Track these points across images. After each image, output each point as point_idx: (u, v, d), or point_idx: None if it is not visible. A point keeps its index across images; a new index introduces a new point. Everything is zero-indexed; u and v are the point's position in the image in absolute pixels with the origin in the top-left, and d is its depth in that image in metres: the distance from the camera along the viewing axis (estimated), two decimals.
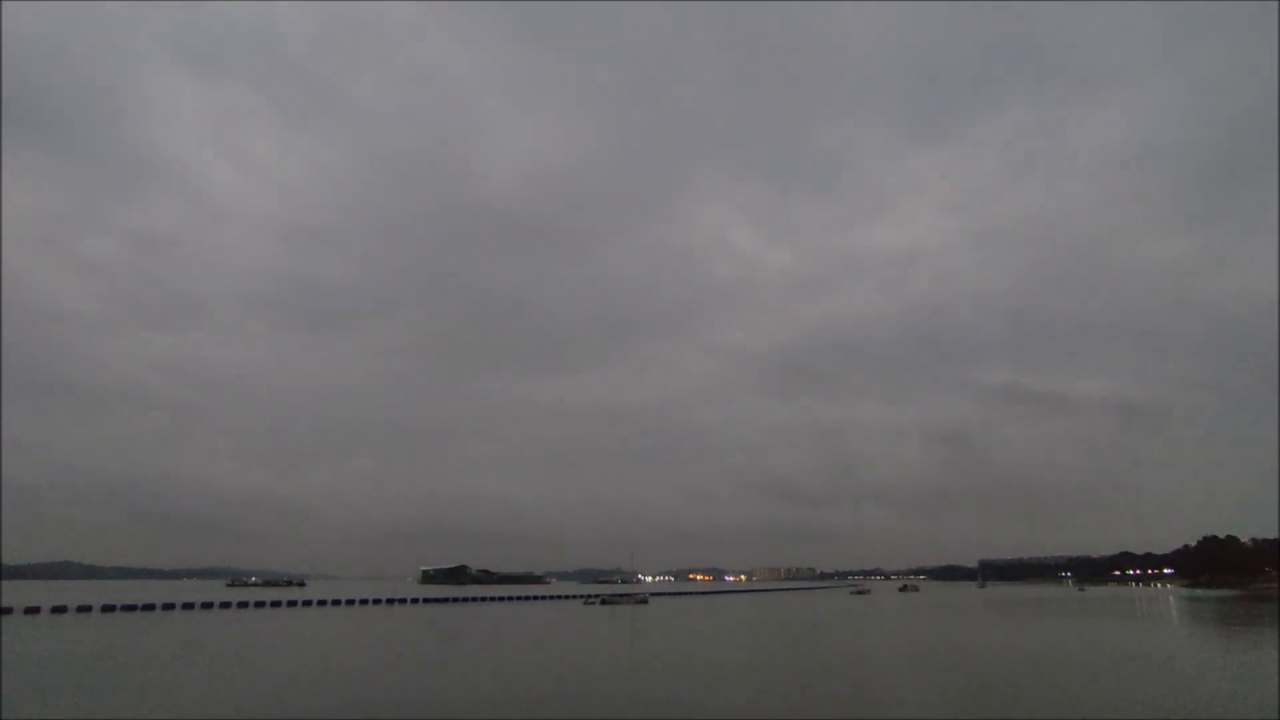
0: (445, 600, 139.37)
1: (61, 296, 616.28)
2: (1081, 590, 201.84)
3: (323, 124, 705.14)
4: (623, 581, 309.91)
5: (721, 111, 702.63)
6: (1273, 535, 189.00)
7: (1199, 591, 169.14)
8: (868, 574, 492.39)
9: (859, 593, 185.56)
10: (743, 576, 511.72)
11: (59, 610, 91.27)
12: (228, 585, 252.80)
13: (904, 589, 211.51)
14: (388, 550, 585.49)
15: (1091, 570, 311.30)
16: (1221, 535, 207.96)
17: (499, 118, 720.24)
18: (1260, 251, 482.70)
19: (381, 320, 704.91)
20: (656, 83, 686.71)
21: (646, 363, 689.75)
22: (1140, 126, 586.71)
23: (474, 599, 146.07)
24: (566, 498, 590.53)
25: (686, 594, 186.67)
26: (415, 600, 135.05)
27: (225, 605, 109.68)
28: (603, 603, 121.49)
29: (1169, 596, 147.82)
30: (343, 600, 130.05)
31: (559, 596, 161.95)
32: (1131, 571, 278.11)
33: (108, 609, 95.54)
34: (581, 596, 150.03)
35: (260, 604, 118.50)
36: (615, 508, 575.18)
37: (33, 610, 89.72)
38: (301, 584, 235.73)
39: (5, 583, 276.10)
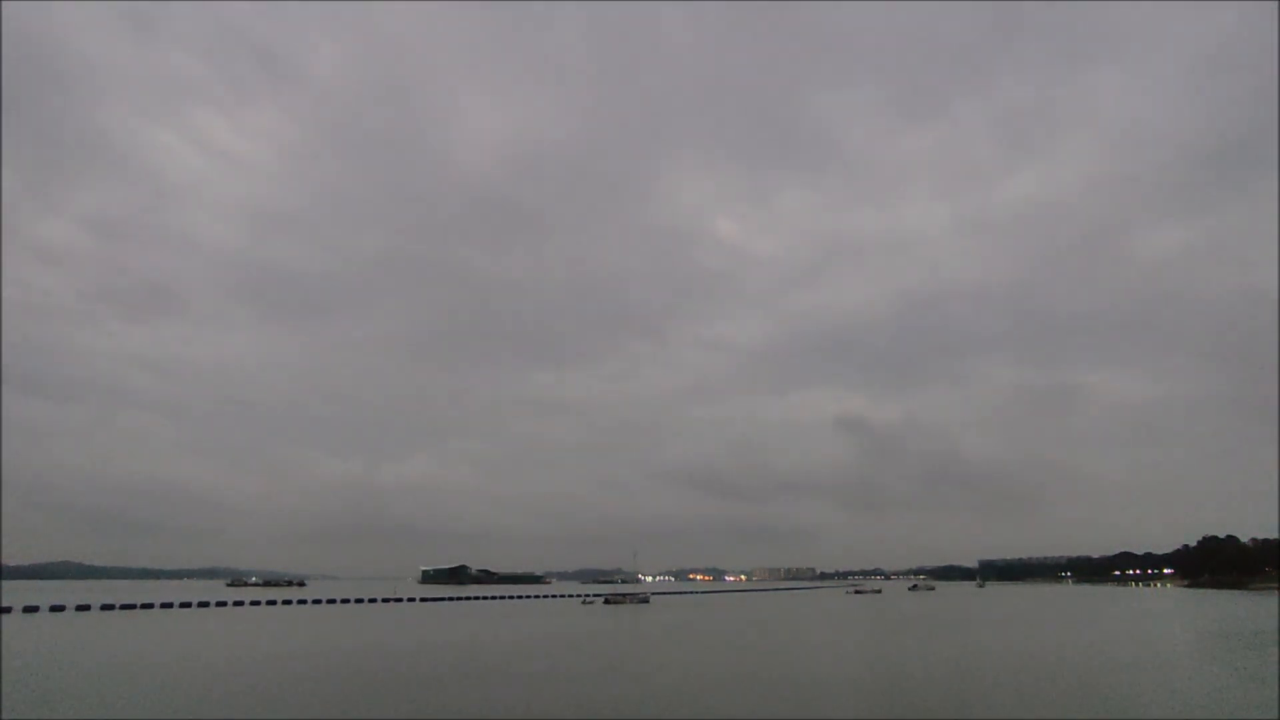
0: (443, 599, 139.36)
1: (25, 286, 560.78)
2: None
3: (276, 98, 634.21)
4: (623, 581, 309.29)
5: (704, 91, 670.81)
6: (1273, 535, 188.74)
7: (1199, 591, 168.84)
8: (867, 574, 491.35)
9: (858, 592, 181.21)
10: (743, 576, 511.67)
11: (57, 609, 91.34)
12: (228, 585, 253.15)
13: (914, 588, 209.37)
14: (385, 550, 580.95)
15: (1091, 570, 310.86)
16: (1221, 535, 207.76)
17: (469, 96, 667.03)
18: (1262, 241, 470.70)
19: (359, 311, 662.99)
20: (634, 59, 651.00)
21: (635, 358, 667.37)
22: (1137, 105, 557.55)
23: (473, 598, 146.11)
24: (563, 496, 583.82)
25: (687, 594, 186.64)
26: (412, 599, 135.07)
27: (221, 604, 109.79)
28: (605, 602, 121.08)
29: (1168, 596, 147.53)
30: (338, 599, 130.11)
31: (559, 596, 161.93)
32: (1131, 571, 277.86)
33: (107, 608, 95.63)
34: (582, 596, 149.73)
35: (255, 603, 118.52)
36: (613, 507, 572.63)
37: (31, 609, 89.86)
38: (302, 584, 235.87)
39: (5, 583, 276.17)
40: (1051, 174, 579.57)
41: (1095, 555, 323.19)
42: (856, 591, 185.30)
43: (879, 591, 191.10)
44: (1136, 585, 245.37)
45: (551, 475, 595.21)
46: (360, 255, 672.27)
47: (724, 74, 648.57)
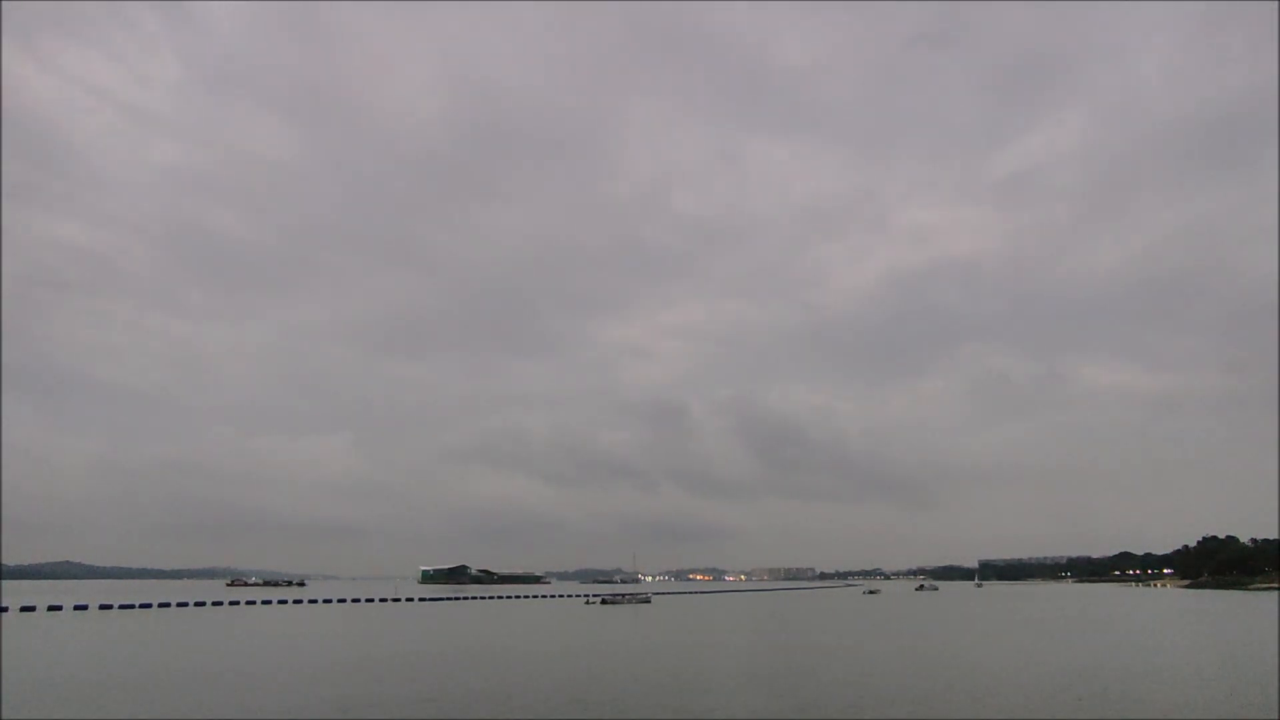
0: (444, 599, 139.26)
1: None
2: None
3: (173, 38, 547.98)
4: (623, 581, 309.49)
5: (670, 46, 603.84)
6: (1273, 535, 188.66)
7: (1199, 591, 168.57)
8: (867, 574, 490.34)
9: (871, 593, 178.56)
10: (742, 576, 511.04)
11: (55, 609, 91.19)
12: (228, 585, 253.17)
13: (920, 589, 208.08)
14: (384, 550, 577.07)
15: (1091, 570, 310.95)
16: (1221, 535, 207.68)
17: (398, 42, 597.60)
18: (1263, 231, 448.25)
19: (309, 291, 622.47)
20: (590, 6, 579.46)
21: (612, 347, 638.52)
22: (1134, 70, 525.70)
23: (471, 598, 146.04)
24: (560, 496, 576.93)
25: (690, 593, 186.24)
26: (410, 599, 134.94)
27: (217, 604, 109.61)
28: (603, 602, 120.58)
29: (1168, 596, 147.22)
30: (334, 599, 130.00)
31: (558, 595, 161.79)
32: (1131, 571, 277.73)
33: (105, 608, 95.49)
34: (581, 596, 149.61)
35: (251, 603, 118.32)
36: (611, 505, 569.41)
37: (29, 609, 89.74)
38: (302, 584, 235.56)
39: (5, 583, 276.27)
40: (1045, 143, 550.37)
41: (1095, 555, 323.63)
42: (870, 592, 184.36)
43: (878, 591, 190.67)
44: (1136, 585, 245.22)
45: (542, 473, 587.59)
46: (296, 226, 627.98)
47: (690, 24, 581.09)
